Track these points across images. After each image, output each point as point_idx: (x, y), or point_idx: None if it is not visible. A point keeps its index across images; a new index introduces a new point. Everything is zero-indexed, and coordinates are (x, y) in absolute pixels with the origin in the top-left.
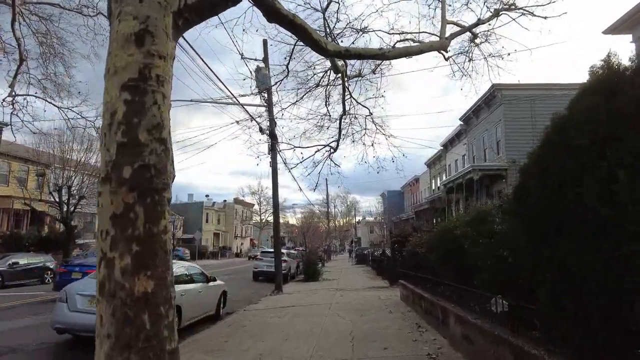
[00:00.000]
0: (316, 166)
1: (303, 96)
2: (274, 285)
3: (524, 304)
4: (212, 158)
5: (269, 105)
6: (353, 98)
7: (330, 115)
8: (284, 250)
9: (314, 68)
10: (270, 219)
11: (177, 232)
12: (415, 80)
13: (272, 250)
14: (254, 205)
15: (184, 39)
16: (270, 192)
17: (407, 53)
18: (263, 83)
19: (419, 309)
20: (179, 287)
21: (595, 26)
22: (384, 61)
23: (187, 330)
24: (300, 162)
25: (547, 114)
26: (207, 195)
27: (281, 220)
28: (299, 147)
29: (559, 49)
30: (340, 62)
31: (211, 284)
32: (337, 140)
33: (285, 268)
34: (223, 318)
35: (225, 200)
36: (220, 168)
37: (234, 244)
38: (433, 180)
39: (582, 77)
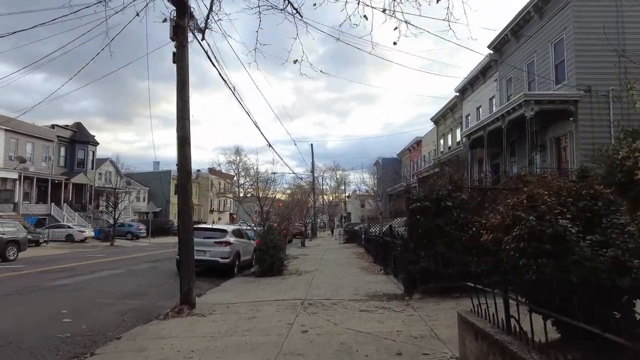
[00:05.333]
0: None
1: None
2: (209, 284)
3: None
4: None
5: None
6: None
7: None
8: (227, 227)
9: None
10: (253, 191)
11: (140, 204)
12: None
13: (209, 226)
14: (233, 176)
15: None
16: (250, 162)
17: None
18: None
19: None
20: None
21: None
22: None
23: None
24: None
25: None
26: (177, 164)
27: (271, 196)
28: None
29: None
30: None
31: None
32: None
33: (228, 255)
34: None
35: (198, 170)
36: (205, 143)
37: (210, 218)
38: (442, 139)
39: None
